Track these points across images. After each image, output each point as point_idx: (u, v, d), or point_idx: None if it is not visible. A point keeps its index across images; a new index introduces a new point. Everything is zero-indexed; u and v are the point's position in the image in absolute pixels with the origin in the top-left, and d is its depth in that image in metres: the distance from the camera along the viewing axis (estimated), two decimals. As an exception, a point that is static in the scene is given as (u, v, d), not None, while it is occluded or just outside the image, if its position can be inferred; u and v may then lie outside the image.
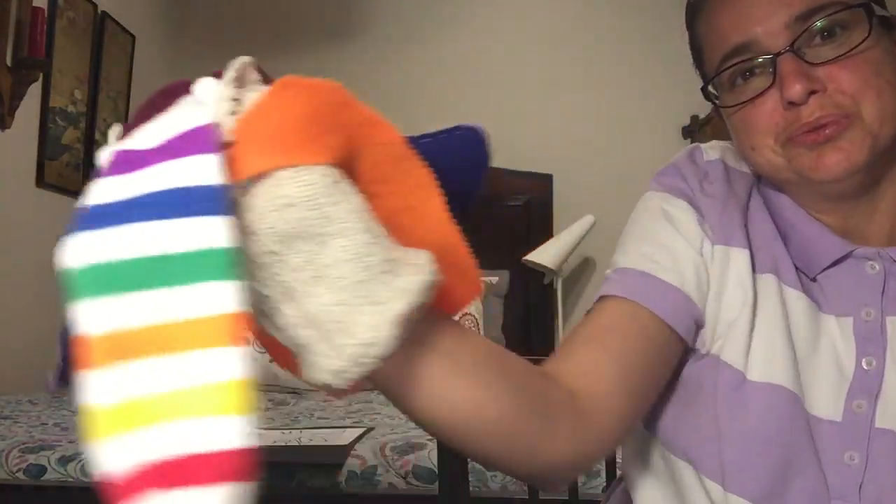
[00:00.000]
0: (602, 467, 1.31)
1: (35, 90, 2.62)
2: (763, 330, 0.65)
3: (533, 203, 3.18)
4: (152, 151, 0.38)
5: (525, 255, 2.93)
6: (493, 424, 0.52)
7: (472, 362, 0.50)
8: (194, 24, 3.53)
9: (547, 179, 3.22)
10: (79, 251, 0.36)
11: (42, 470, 1.48)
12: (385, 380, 0.47)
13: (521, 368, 0.55)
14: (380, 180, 0.44)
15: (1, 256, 2.50)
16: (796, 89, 0.62)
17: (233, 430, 0.34)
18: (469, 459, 0.96)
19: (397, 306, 0.40)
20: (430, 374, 0.48)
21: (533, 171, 3.20)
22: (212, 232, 0.36)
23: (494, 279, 2.90)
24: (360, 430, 1.66)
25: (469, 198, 0.50)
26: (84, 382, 0.34)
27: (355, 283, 0.40)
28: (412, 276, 0.41)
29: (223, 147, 0.39)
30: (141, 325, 0.35)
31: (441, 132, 0.49)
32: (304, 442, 1.59)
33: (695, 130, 3.12)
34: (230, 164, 0.39)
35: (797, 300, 0.66)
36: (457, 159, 0.49)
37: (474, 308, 2.72)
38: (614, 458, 0.99)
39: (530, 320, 3.11)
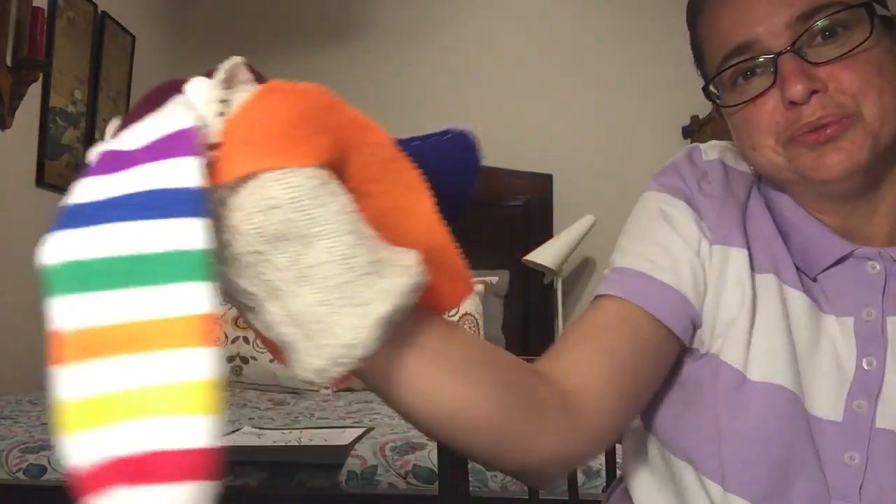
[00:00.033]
0: (602, 467, 1.31)
1: (35, 90, 2.62)
2: (763, 330, 0.65)
3: (533, 203, 3.18)
4: (136, 152, 0.39)
5: (525, 255, 2.93)
6: (480, 421, 0.52)
7: (460, 360, 0.51)
8: (194, 24, 3.52)
9: (547, 179, 3.22)
10: (56, 249, 0.36)
11: (42, 470, 1.48)
12: (371, 376, 0.48)
13: (512, 367, 0.56)
14: (371, 180, 0.45)
15: (1, 256, 2.49)
16: (797, 89, 0.62)
17: (198, 430, 0.34)
18: (469, 459, 0.96)
19: (379, 308, 0.41)
20: (416, 371, 0.49)
21: (533, 171, 3.20)
22: (187, 233, 0.36)
23: (494, 279, 2.90)
24: (360, 430, 1.66)
25: (461, 200, 0.50)
26: (56, 377, 0.35)
27: (338, 285, 0.41)
28: (397, 277, 0.42)
29: (212, 147, 0.40)
30: (113, 322, 0.35)
31: (431, 135, 0.50)
32: (304, 442, 1.59)
33: (695, 130, 3.12)
34: (218, 165, 0.40)
35: (798, 300, 0.66)
36: (447, 162, 0.49)
37: (474, 308, 2.72)
38: (614, 458, 0.99)
39: (530, 320, 3.11)
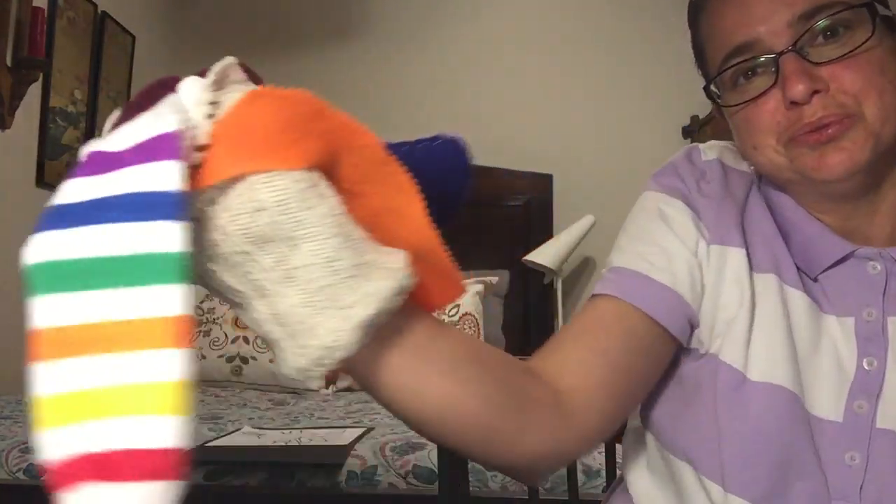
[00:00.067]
0: (602, 467, 1.31)
1: (35, 90, 2.62)
2: (763, 329, 0.65)
3: (533, 203, 3.18)
4: (122, 154, 0.40)
5: (525, 255, 2.93)
6: (468, 419, 0.53)
7: (449, 358, 0.52)
8: (194, 24, 3.52)
9: (547, 179, 3.22)
10: (38, 249, 0.38)
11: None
12: (358, 373, 0.49)
13: (502, 365, 0.56)
14: (364, 181, 0.46)
15: (1, 256, 2.49)
16: (799, 89, 0.62)
17: (166, 430, 0.35)
18: (459, 455, 0.96)
19: (361, 312, 0.42)
20: (402, 368, 0.49)
21: (533, 171, 3.20)
22: (165, 236, 0.37)
23: (494, 279, 2.90)
24: (360, 430, 1.66)
25: (452, 204, 0.51)
26: (33, 374, 0.36)
27: (322, 287, 0.42)
28: (381, 280, 0.43)
29: (201, 149, 0.41)
30: (89, 322, 0.36)
31: (421, 140, 0.51)
32: (304, 442, 1.59)
33: (695, 130, 3.12)
34: (207, 166, 0.40)
35: (798, 300, 0.66)
36: (437, 167, 0.50)
37: (474, 308, 2.72)
38: (614, 458, 0.99)
39: (530, 320, 3.11)
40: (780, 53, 0.64)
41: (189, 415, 0.36)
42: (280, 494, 1.46)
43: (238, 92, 0.42)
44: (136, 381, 0.35)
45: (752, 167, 0.74)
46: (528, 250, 2.94)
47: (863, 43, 0.62)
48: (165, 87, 0.43)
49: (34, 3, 2.53)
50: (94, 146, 0.41)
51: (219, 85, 0.42)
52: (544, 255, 2.89)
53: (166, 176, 0.38)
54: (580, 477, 1.43)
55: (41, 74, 2.60)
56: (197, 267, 0.43)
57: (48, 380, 0.36)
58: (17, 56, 2.47)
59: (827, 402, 0.64)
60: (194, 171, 0.40)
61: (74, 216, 0.38)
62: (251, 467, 1.49)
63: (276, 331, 0.43)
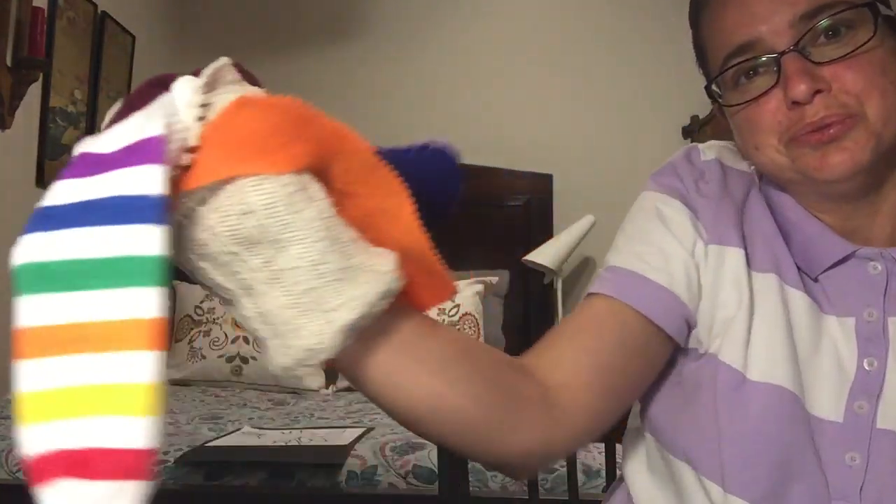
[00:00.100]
0: (602, 467, 1.31)
1: (35, 90, 2.61)
2: (763, 330, 0.65)
3: (533, 203, 3.18)
4: (109, 156, 0.41)
5: (525, 255, 2.93)
6: (455, 416, 0.54)
7: (438, 357, 0.52)
8: (194, 24, 3.52)
9: (547, 179, 3.22)
10: (24, 250, 0.39)
11: (42, 470, 1.48)
12: (344, 367, 0.50)
13: (493, 363, 0.57)
14: (357, 182, 0.47)
15: (1, 256, 2.49)
16: (801, 89, 0.62)
17: (135, 431, 0.36)
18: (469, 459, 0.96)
19: (345, 316, 0.43)
20: (389, 366, 0.50)
21: (533, 171, 3.20)
22: (144, 240, 0.38)
23: (494, 279, 2.90)
24: (360, 430, 1.66)
25: (442, 211, 0.52)
26: (17, 371, 0.37)
27: (307, 290, 0.43)
28: (367, 284, 0.44)
29: (191, 150, 0.42)
30: (70, 322, 0.38)
31: (411, 147, 0.52)
32: (304, 442, 1.59)
33: (695, 130, 3.12)
34: (196, 167, 0.41)
35: (799, 300, 0.66)
36: (427, 174, 0.51)
37: (474, 308, 2.72)
38: (614, 458, 0.99)
39: (530, 320, 3.11)
40: (782, 53, 0.64)
41: (159, 416, 0.37)
42: (280, 494, 1.46)
43: (230, 93, 0.43)
44: (110, 381, 0.37)
45: (752, 167, 0.74)
46: (528, 250, 2.94)
47: (865, 43, 0.62)
48: (161, 85, 0.44)
49: (34, 3, 2.53)
50: (84, 147, 0.42)
51: (210, 87, 0.43)
52: (544, 255, 2.88)
53: (149, 180, 0.39)
54: (580, 477, 1.43)
55: (41, 74, 2.59)
56: (188, 264, 0.44)
57: (30, 377, 0.37)
58: (17, 56, 2.47)
59: (827, 403, 0.64)
60: (184, 171, 0.41)
61: (61, 218, 0.39)
62: (251, 467, 1.49)
63: (262, 329, 0.44)
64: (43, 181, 2.70)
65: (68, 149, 2.83)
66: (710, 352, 0.67)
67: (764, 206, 0.71)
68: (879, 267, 0.66)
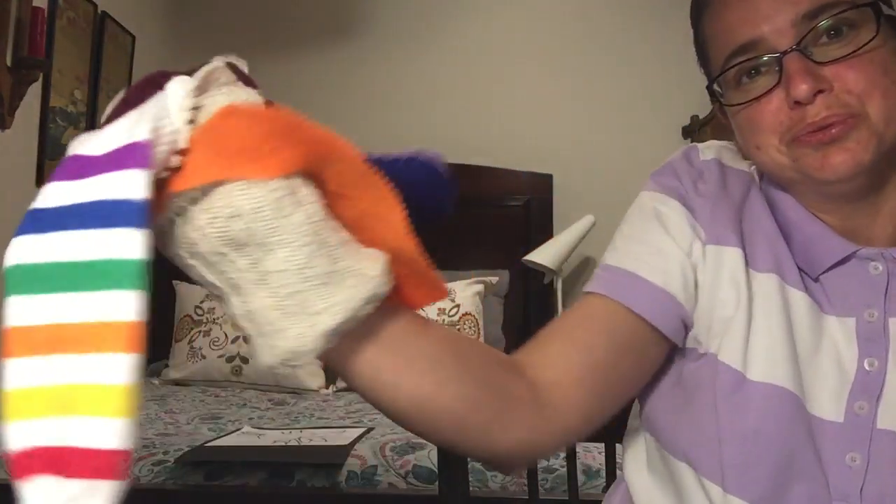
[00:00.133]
0: (602, 467, 1.31)
1: (35, 90, 2.61)
2: (763, 330, 0.65)
3: (533, 203, 3.18)
4: (96, 160, 0.42)
5: (525, 255, 2.93)
6: (442, 414, 0.55)
7: (427, 356, 0.53)
8: (194, 24, 3.52)
9: (547, 179, 3.22)
10: (14, 251, 0.40)
11: (42, 470, 1.48)
12: (334, 364, 0.51)
13: (483, 362, 0.58)
14: (349, 185, 0.48)
15: (1, 257, 2.49)
16: (803, 89, 0.62)
17: (109, 432, 0.37)
18: (469, 459, 0.96)
19: (328, 320, 0.44)
20: (377, 364, 0.51)
21: (533, 171, 3.20)
22: (125, 243, 0.39)
23: (494, 279, 2.90)
24: (360, 430, 1.66)
25: (432, 217, 0.53)
26: (3, 369, 0.38)
27: (293, 293, 0.44)
28: (353, 289, 0.45)
29: (181, 153, 0.42)
30: (53, 322, 0.39)
31: (399, 157, 0.53)
32: (304, 442, 1.59)
33: (695, 130, 3.12)
34: (186, 170, 0.42)
35: (799, 300, 0.66)
36: (415, 182, 0.52)
37: (474, 308, 2.72)
38: (614, 458, 0.99)
39: (530, 320, 3.11)
40: (784, 53, 0.64)
41: (133, 418, 0.37)
42: (280, 494, 1.46)
43: (221, 96, 0.44)
44: (87, 382, 0.38)
45: (752, 166, 0.73)
46: (528, 250, 2.94)
47: (867, 42, 0.62)
48: (156, 84, 0.45)
49: (34, 3, 2.53)
50: (76, 147, 0.44)
51: (202, 89, 0.44)
52: (544, 255, 2.88)
53: (132, 185, 0.40)
54: (580, 477, 1.43)
55: (41, 74, 2.59)
56: (180, 260, 0.45)
57: (15, 375, 0.38)
58: (17, 56, 2.47)
59: (827, 403, 0.64)
60: (174, 173, 0.42)
61: (49, 221, 0.40)
62: (251, 467, 1.48)
63: (249, 327, 0.46)
64: (43, 181, 2.69)
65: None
66: (709, 352, 0.67)
67: (764, 206, 0.71)
68: (880, 267, 0.66)
